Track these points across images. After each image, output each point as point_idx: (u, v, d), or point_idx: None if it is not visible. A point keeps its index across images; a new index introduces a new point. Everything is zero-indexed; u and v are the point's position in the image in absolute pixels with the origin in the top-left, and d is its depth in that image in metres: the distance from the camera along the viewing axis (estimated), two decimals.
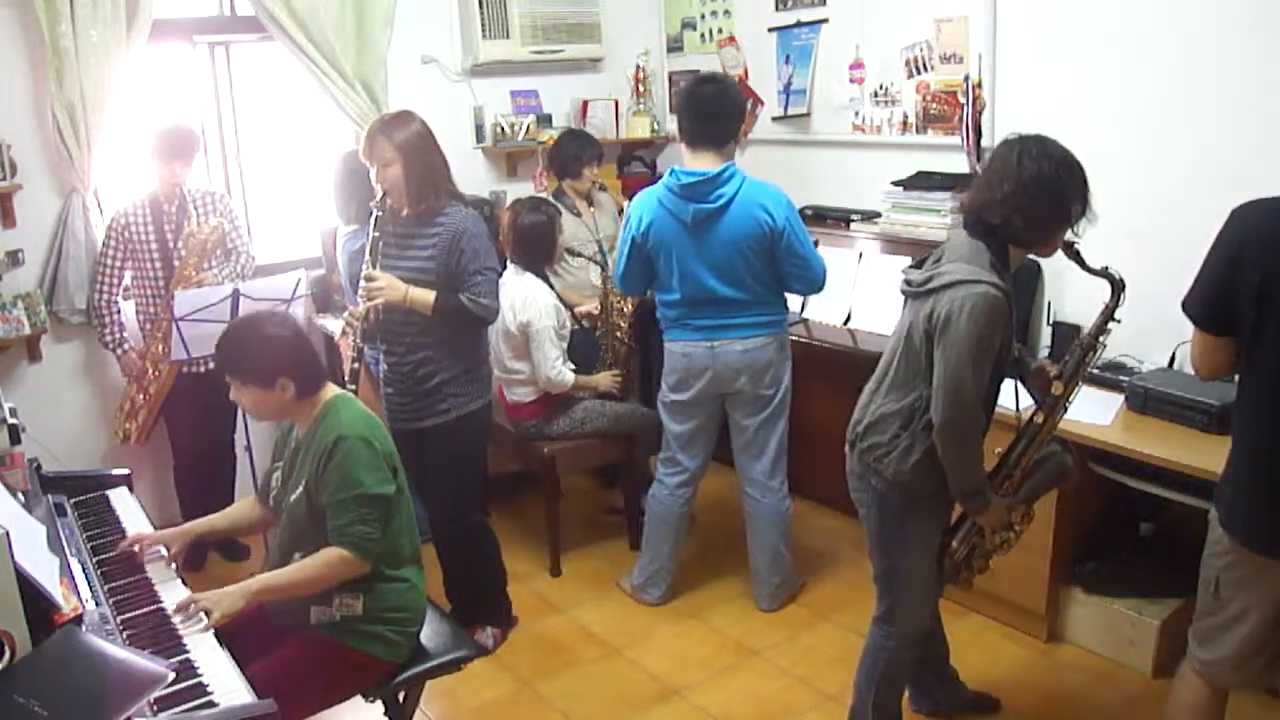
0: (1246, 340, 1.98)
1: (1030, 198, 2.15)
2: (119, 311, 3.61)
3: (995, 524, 2.37)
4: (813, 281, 3.15)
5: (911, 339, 2.27)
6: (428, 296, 2.84)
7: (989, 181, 2.22)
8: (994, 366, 2.23)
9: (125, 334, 3.63)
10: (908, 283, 2.33)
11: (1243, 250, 1.95)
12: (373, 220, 2.87)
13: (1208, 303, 2.03)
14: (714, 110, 3.06)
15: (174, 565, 2.31)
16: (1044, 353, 3.51)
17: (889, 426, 2.31)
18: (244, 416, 3.71)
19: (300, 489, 2.25)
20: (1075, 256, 2.30)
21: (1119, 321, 2.34)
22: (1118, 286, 2.31)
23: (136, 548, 2.31)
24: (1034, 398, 2.43)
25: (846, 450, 2.45)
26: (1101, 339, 2.36)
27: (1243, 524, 2.03)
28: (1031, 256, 3.33)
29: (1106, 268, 2.31)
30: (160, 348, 3.52)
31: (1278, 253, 1.91)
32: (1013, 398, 2.45)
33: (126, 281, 3.62)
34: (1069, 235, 2.24)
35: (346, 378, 2.87)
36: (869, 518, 2.45)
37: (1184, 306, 2.07)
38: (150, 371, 3.59)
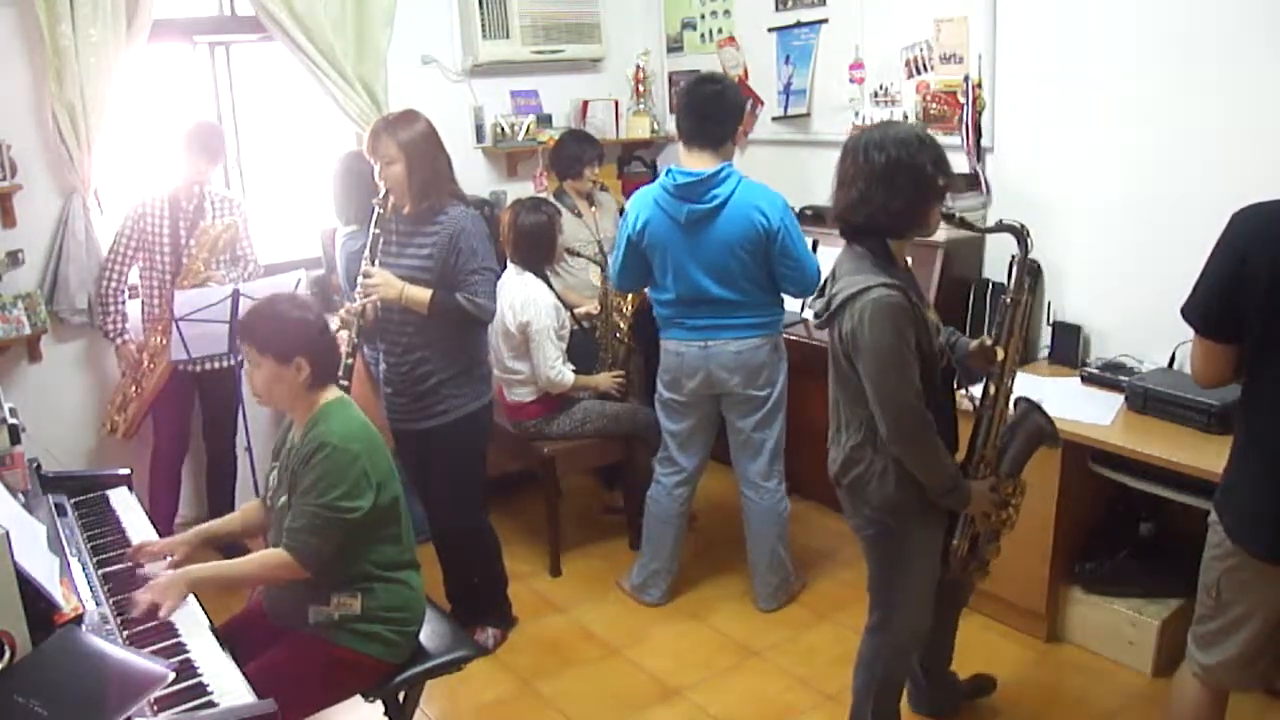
0: (1252, 347, 1.96)
1: (886, 187, 2.12)
2: (124, 302, 3.62)
3: (985, 508, 2.35)
4: (806, 284, 3.15)
5: (839, 367, 2.27)
6: (424, 294, 2.84)
7: (842, 183, 2.21)
8: (925, 361, 2.20)
9: (127, 325, 3.64)
10: (816, 315, 2.32)
11: (1247, 256, 1.91)
12: (374, 217, 2.87)
13: (1211, 310, 1.99)
14: (712, 110, 3.06)
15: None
16: (1044, 352, 3.51)
17: (862, 456, 2.30)
18: (245, 418, 3.72)
19: (286, 494, 2.26)
20: (961, 223, 2.29)
21: (1036, 263, 2.33)
22: (1020, 234, 2.29)
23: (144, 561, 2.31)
24: (984, 375, 2.41)
25: (837, 490, 2.44)
26: (1024, 289, 2.34)
27: (1249, 531, 2.02)
28: (1032, 256, 3.34)
29: (1000, 221, 2.30)
30: (159, 340, 3.53)
31: None
32: (965, 391, 2.44)
33: (134, 280, 3.63)
34: (945, 208, 2.22)
35: (340, 374, 2.87)
36: (868, 540, 2.43)
37: (1184, 313, 2.04)
38: (145, 363, 3.59)
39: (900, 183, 2.12)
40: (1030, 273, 3.47)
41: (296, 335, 2.23)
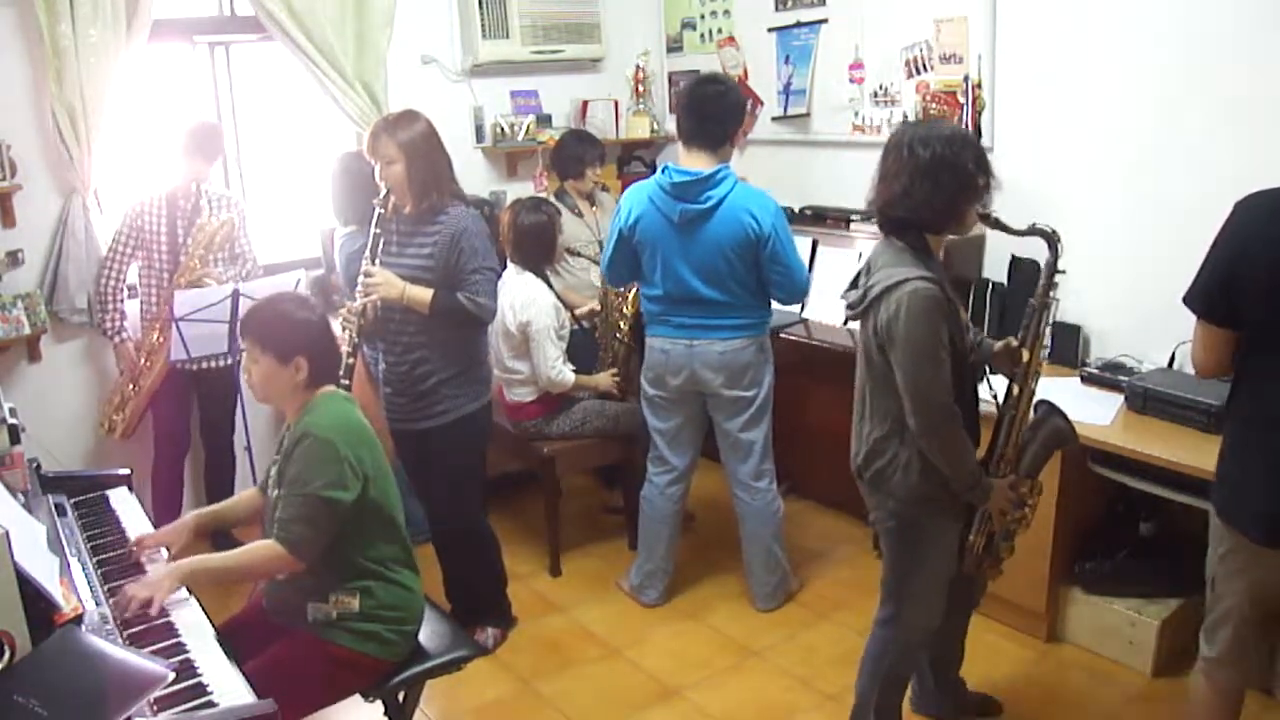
0: (1245, 340, 1.99)
1: (930, 182, 2.15)
2: (122, 300, 3.62)
3: (1003, 505, 2.36)
4: (794, 290, 3.15)
5: (870, 358, 2.28)
6: (425, 294, 2.84)
7: (885, 177, 2.23)
8: (956, 357, 2.21)
9: (125, 323, 3.64)
10: (849, 307, 2.33)
11: (1247, 242, 1.95)
12: (374, 217, 2.87)
13: (1211, 294, 2.02)
14: (712, 111, 3.06)
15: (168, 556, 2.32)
16: (1043, 353, 3.49)
17: (887, 448, 2.31)
18: (244, 417, 3.72)
19: (277, 487, 2.26)
20: (996, 224, 2.30)
21: (1064, 272, 2.34)
22: (1052, 239, 2.31)
23: (142, 553, 2.31)
24: (1006, 377, 2.44)
25: (857, 482, 2.44)
26: (1052, 294, 2.35)
27: (1244, 515, 2.04)
28: (1030, 256, 3.34)
29: (1034, 224, 2.31)
30: (157, 338, 3.53)
31: None
32: (987, 391, 2.45)
33: (133, 280, 3.62)
34: (980, 208, 2.24)
35: (341, 373, 2.87)
36: (889, 533, 2.43)
37: (1186, 300, 2.07)
38: (143, 362, 3.59)
39: (944, 179, 2.15)
40: (1032, 272, 3.52)
41: (298, 336, 2.24)
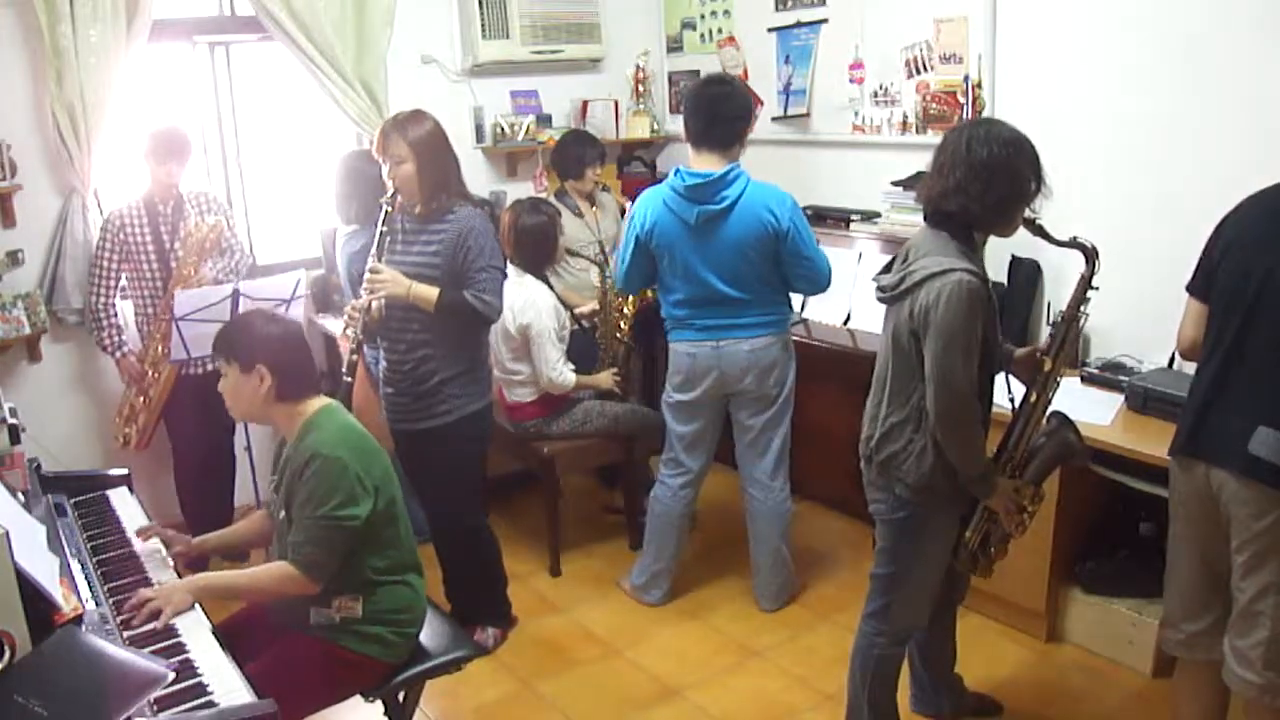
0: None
1: (983, 181, 2.17)
2: (116, 314, 3.59)
3: (1005, 506, 2.37)
4: (818, 281, 3.16)
5: (899, 342, 2.28)
6: (431, 292, 2.84)
7: (940, 170, 2.24)
8: (983, 353, 2.23)
9: (123, 336, 3.61)
10: (881, 289, 2.35)
11: (1222, 231, 2.17)
12: (382, 215, 2.87)
13: (1196, 270, 2.21)
14: (720, 112, 3.06)
15: (173, 565, 2.32)
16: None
17: (901, 433, 2.31)
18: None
19: (283, 509, 2.26)
20: (1039, 231, 2.32)
21: (1097, 289, 2.35)
22: (1091, 255, 2.32)
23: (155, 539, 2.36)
24: (1024, 383, 2.45)
25: (862, 466, 2.44)
26: (1082, 309, 2.37)
27: (1176, 436, 2.25)
28: (1030, 256, 3.34)
29: (1075, 238, 2.32)
30: (159, 348, 3.51)
31: (1244, 224, 2.13)
32: (1005, 394, 2.45)
33: (123, 283, 3.61)
34: (1028, 212, 2.27)
35: (344, 370, 2.88)
36: (888, 523, 2.43)
37: (1187, 287, 2.24)
38: (150, 373, 3.58)
39: (997, 181, 2.17)
40: (1032, 272, 3.52)
41: (259, 345, 2.23)
